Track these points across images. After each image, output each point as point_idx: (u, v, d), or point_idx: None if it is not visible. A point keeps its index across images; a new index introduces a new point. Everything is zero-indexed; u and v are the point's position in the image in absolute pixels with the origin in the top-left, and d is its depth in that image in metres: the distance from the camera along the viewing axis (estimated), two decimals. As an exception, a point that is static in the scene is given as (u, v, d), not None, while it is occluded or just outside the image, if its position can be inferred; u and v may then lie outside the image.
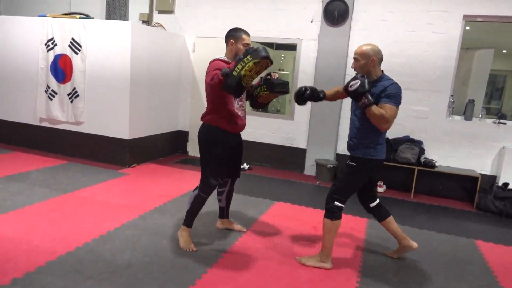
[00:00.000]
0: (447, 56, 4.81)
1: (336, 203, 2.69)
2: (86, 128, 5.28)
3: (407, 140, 4.91)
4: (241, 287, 2.43)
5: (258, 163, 5.85)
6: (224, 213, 3.30)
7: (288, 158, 5.72)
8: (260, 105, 3.06)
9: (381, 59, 2.69)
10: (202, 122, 2.87)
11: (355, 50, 2.70)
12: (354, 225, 3.67)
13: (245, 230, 3.33)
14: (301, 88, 2.97)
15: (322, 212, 3.86)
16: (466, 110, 4.91)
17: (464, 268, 2.96)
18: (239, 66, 2.39)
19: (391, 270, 2.83)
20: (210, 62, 2.76)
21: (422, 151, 4.91)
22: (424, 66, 4.92)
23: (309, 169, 5.55)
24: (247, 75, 2.42)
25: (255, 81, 2.81)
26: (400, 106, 2.61)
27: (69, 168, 4.86)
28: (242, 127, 2.93)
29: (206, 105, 2.89)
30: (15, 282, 2.26)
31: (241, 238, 3.16)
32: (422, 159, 4.82)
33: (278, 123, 5.73)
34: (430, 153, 5.00)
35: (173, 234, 3.12)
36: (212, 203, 3.61)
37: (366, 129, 2.63)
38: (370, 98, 2.46)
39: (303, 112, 5.46)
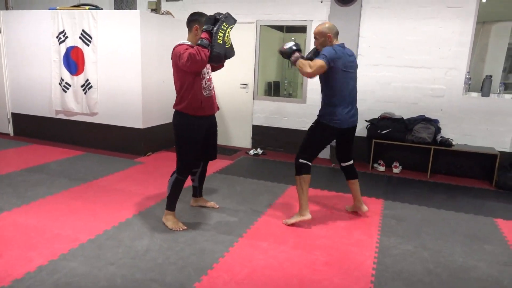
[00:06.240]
0: (462, 31, 4.67)
1: (300, 160, 3.08)
2: (101, 118, 5.35)
3: (422, 119, 4.82)
4: (258, 270, 2.46)
5: (271, 147, 5.85)
6: (197, 192, 3.42)
7: (301, 141, 5.68)
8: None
9: (336, 33, 3.01)
10: (174, 110, 2.91)
11: (314, 30, 3.05)
12: (370, 206, 3.65)
13: (217, 206, 3.44)
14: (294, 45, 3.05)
15: (338, 195, 3.91)
16: (483, 86, 4.77)
17: (483, 247, 2.92)
18: (220, 34, 2.64)
19: (407, 250, 2.82)
20: (175, 48, 2.77)
21: (438, 130, 4.82)
22: (439, 42, 4.78)
23: (323, 152, 5.49)
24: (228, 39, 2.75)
25: None
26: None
27: (86, 158, 4.95)
28: (212, 108, 2.98)
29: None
30: (41, 269, 2.34)
31: (256, 222, 3.19)
32: (438, 138, 4.74)
33: (290, 107, 5.69)
34: (447, 132, 4.91)
35: (190, 220, 3.17)
36: (231, 190, 3.65)
37: (325, 94, 3.08)
38: (298, 55, 2.95)
39: (315, 95, 5.40)
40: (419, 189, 4.31)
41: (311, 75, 2.92)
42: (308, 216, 3.09)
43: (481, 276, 2.51)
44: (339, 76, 2.94)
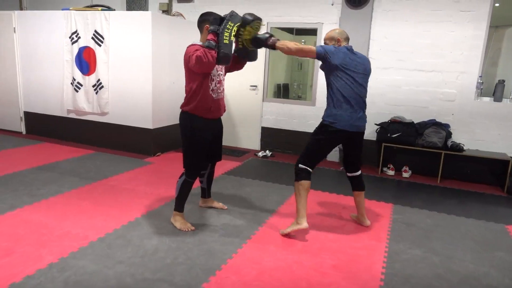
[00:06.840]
0: (475, 35, 4.62)
1: (300, 165, 3.01)
2: (111, 118, 5.40)
3: (433, 123, 4.78)
4: (265, 272, 2.46)
5: (280, 149, 5.84)
6: (206, 193, 3.44)
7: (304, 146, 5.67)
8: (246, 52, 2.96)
9: (346, 38, 3.03)
10: (181, 111, 2.94)
11: (324, 36, 3.09)
12: (380, 210, 3.63)
13: (226, 207, 3.47)
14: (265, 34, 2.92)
15: (346, 198, 3.88)
16: (495, 91, 4.72)
17: (494, 254, 2.88)
18: (226, 34, 2.61)
19: (417, 255, 2.79)
20: (187, 48, 2.78)
21: (449, 134, 4.77)
22: (451, 46, 4.74)
23: (332, 155, 5.49)
24: (247, 39, 2.79)
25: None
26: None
27: (96, 157, 5.00)
28: (219, 112, 3.00)
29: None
30: (51, 266, 2.37)
31: (265, 224, 3.19)
32: (449, 143, 4.69)
33: (299, 109, 5.68)
34: (458, 137, 4.86)
35: (198, 221, 3.18)
36: (238, 194, 3.65)
37: (328, 95, 3.02)
38: (274, 38, 2.86)
39: (324, 98, 5.37)
40: (429, 194, 4.27)
41: (297, 50, 2.83)
42: (304, 225, 2.90)
43: (492, 283, 2.48)
44: (339, 75, 2.86)
